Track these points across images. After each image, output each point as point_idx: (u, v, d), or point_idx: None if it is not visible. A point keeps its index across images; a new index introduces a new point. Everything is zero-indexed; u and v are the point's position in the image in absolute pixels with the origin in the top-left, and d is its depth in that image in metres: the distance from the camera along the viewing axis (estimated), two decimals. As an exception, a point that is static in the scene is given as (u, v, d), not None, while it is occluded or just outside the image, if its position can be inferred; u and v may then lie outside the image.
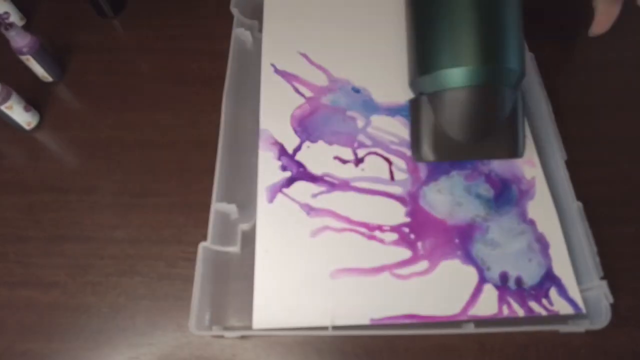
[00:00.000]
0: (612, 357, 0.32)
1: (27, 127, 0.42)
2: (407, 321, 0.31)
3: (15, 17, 0.48)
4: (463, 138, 0.34)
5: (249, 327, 0.31)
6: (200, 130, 0.42)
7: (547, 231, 0.34)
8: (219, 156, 0.36)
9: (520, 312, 0.31)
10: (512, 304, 0.31)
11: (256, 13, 0.46)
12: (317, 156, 0.38)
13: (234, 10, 0.45)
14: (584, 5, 0.42)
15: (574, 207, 0.33)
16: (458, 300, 0.31)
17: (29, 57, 0.41)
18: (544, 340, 0.32)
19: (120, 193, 0.39)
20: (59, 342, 0.33)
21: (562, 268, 0.32)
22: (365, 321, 0.31)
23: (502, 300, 0.31)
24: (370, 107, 0.40)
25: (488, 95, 0.33)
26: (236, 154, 0.39)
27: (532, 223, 0.34)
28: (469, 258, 0.33)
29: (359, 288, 0.32)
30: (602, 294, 0.30)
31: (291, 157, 0.38)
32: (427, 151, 0.35)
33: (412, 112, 0.37)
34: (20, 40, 0.40)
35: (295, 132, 0.39)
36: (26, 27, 0.48)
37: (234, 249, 0.35)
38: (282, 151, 0.38)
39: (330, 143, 0.38)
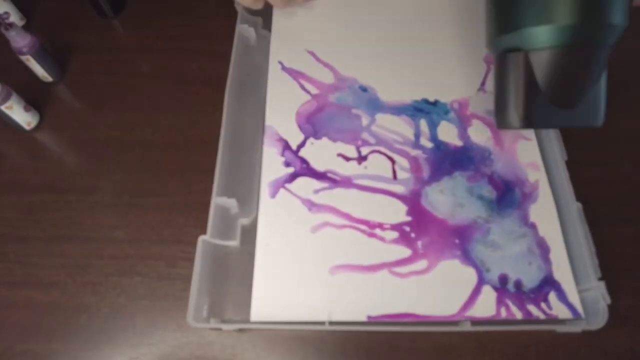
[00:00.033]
0: (612, 357, 0.32)
1: (27, 127, 0.42)
2: (404, 320, 0.31)
3: (15, 17, 0.48)
4: (557, 103, 0.31)
5: (247, 321, 0.31)
6: (200, 130, 0.42)
7: (548, 235, 0.34)
8: (220, 150, 0.36)
9: (519, 315, 0.31)
10: (511, 306, 0.31)
11: (260, 10, 0.46)
12: (321, 153, 0.38)
13: (238, 7, 0.45)
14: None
15: (574, 207, 0.33)
16: (456, 300, 0.31)
17: (29, 57, 0.41)
18: (544, 340, 0.32)
19: (120, 193, 0.39)
20: (59, 342, 0.33)
21: (562, 273, 0.32)
22: (363, 318, 0.31)
23: (500, 302, 0.31)
24: (375, 105, 0.40)
25: (588, 55, 0.29)
26: (238, 149, 0.39)
27: (533, 226, 0.34)
28: (468, 259, 0.33)
29: (357, 285, 0.32)
30: (599, 295, 0.30)
31: (295, 152, 0.38)
32: (514, 117, 0.32)
33: (499, 72, 0.34)
34: (20, 40, 0.40)
35: (300, 128, 0.39)
36: (26, 27, 0.48)
37: (234, 243, 0.35)
38: (286, 147, 0.38)
39: (334, 140, 0.38)
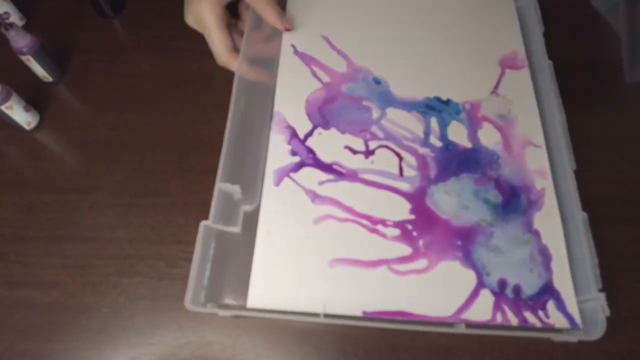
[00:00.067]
0: (612, 357, 0.32)
1: (27, 127, 0.42)
2: (399, 318, 0.31)
3: (15, 17, 0.48)
4: None
5: (244, 307, 0.31)
6: (200, 130, 0.42)
7: (551, 243, 0.33)
8: (227, 135, 0.35)
9: (514, 321, 0.30)
10: (507, 312, 0.31)
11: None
12: (328, 143, 0.38)
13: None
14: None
15: (579, 217, 0.33)
16: (453, 302, 0.31)
17: (29, 57, 0.41)
18: (544, 340, 0.32)
19: (120, 193, 0.39)
20: (59, 342, 0.33)
21: (563, 282, 0.32)
22: (358, 313, 0.31)
23: (497, 307, 0.31)
24: (387, 99, 0.40)
25: None
26: (244, 134, 0.38)
27: (537, 234, 0.34)
28: (469, 261, 0.33)
29: (355, 279, 0.32)
30: (599, 306, 0.30)
31: (302, 142, 0.38)
32: None
33: (627, 19, 0.32)
34: (20, 40, 0.40)
35: (309, 116, 0.39)
36: (26, 27, 0.48)
37: (235, 229, 0.34)
38: (293, 135, 0.38)
39: (342, 132, 0.38)
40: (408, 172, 0.36)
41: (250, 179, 0.36)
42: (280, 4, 0.45)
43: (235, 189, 0.35)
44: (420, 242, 0.33)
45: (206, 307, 0.31)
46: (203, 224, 0.32)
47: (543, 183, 0.36)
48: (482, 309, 0.31)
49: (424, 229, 0.34)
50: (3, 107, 0.39)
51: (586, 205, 0.33)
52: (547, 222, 0.34)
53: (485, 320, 0.31)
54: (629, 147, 0.40)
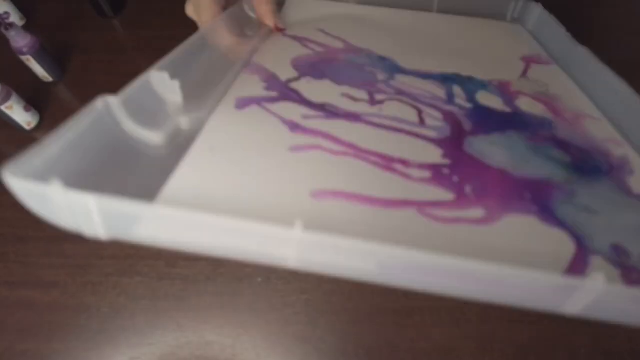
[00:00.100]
0: (612, 357, 0.32)
1: (27, 127, 0.42)
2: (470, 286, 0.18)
3: (15, 17, 0.48)
4: None
5: (149, 202, 0.19)
6: (200, 130, 0.42)
7: None
8: (182, 47, 0.29)
9: None
10: None
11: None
12: (319, 89, 0.29)
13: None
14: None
15: None
16: (548, 266, 0.20)
17: (29, 57, 0.41)
18: (544, 340, 0.32)
19: (120, 193, 0.39)
20: (59, 342, 0.33)
21: None
22: (372, 267, 0.18)
23: (629, 280, 0.21)
24: (395, 69, 0.33)
25: None
26: (207, 61, 0.29)
27: None
28: (552, 218, 0.23)
29: (362, 221, 0.21)
30: None
31: (283, 83, 0.29)
32: None
33: None
34: (20, 40, 0.40)
35: (296, 68, 0.31)
36: (26, 27, 0.48)
37: (156, 136, 0.23)
38: (272, 77, 0.30)
39: (339, 84, 0.30)
40: (432, 122, 0.28)
41: (199, 93, 0.27)
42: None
43: (173, 86, 0.24)
44: (468, 188, 0.24)
45: (48, 182, 0.17)
46: (107, 99, 0.21)
47: (622, 151, 0.29)
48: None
49: (469, 174, 0.25)
50: (3, 107, 0.39)
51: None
52: None
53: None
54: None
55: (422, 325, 0.33)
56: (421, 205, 0.22)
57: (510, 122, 0.29)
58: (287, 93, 0.28)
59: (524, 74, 0.36)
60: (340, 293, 0.35)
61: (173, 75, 0.24)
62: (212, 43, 0.31)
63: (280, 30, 0.39)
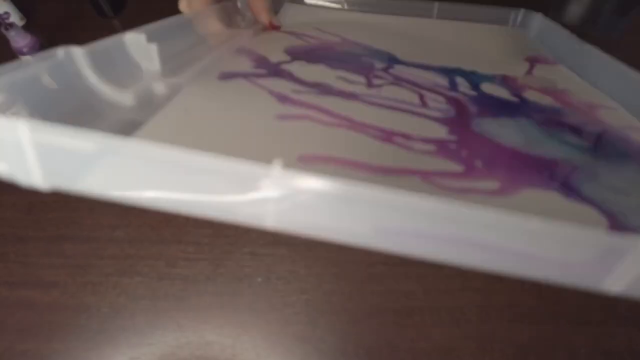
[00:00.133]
0: (612, 357, 0.32)
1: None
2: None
3: (15, 17, 0.48)
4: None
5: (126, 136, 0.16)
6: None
7: None
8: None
9: None
10: None
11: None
12: (313, 71, 0.28)
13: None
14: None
15: None
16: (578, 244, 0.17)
17: (29, 57, 0.41)
18: (544, 340, 0.32)
19: (120, 193, 0.39)
20: (59, 342, 0.33)
21: None
22: (368, 230, 0.14)
23: None
24: (394, 60, 0.33)
25: None
26: (191, 39, 0.28)
27: None
28: (577, 194, 0.21)
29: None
30: None
31: (274, 64, 0.27)
32: (575, 11, 0.26)
33: None
34: (20, 40, 0.40)
35: (288, 54, 0.30)
36: (26, 27, 0.48)
37: (127, 97, 0.20)
38: (261, 58, 0.28)
39: (334, 68, 0.29)
40: (435, 105, 0.27)
41: (179, 63, 0.24)
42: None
43: (150, 51, 0.22)
44: (478, 162, 0.22)
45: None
46: (75, 50, 0.20)
47: None
48: None
49: (479, 150, 0.23)
50: (3, 107, 0.39)
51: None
52: None
53: None
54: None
55: (422, 325, 0.33)
56: (426, 174, 0.20)
57: (518, 109, 0.28)
58: (277, 72, 0.26)
59: (530, 72, 0.36)
60: (340, 293, 0.35)
61: (151, 41, 0.22)
62: (199, 28, 0.30)
63: (275, 27, 0.39)
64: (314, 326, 0.33)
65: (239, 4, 0.39)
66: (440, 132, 0.24)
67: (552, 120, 0.27)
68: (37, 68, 0.17)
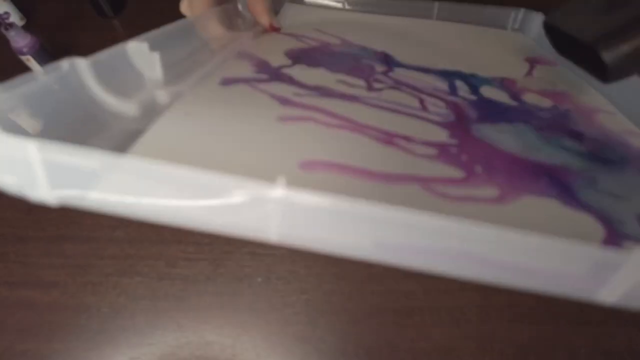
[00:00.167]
0: (612, 357, 0.32)
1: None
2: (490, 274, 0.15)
3: (15, 17, 0.48)
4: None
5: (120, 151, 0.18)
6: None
7: None
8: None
9: None
10: None
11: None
12: (314, 75, 0.28)
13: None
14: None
15: None
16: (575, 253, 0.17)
17: (29, 57, 0.41)
18: (544, 340, 0.32)
19: (120, 193, 0.39)
20: (59, 342, 0.33)
21: None
22: (368, 245, 0.14)
23: None
24: (394, 63, 0.33)
25: None
26: (193, 45, 0.28)
27: None
28: (575, 201, 0.21)
29: (356, 192, 0.19)
30: None
31: (275, 68, 0.28)
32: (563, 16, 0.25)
33: None
34: (20, 40, 0.40)
35: (289, 57, 0.30)
36: (26, 27, 0.48)
37: (131, 107, 0.20)
38: (262, 62, 0.28)
39: (334, 72, 0.29)
40: (435, 109, 0.27)
41: (181, 71, 0.24)
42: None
43: (152, 59, 0.22)
44: (478, 168, 0.22)
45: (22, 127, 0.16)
46: (79, 61, 0.19)
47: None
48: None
49: (479, 155, 0.23)
50: (3, 107, 0.39)
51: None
52: None
53: None
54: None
55: (422, 325, 0.33)
56: (426, 181, 0.20)
57: (517, 114, 0.28)
58: (278, 76, 0.27)
59: (529, 73, 0.36)
60: (340, 293, 0.35)
61: (153, 49, 0.22)
62: (201, 32, 0.30)
63: (275, 29, 0.39)
64: (314, 326, 0.33)
65: (239, 6, 0.39)
66: (441, 135, 0.24)
67: (551, 126, 0.28)
68: (43, 81, 0.18)
